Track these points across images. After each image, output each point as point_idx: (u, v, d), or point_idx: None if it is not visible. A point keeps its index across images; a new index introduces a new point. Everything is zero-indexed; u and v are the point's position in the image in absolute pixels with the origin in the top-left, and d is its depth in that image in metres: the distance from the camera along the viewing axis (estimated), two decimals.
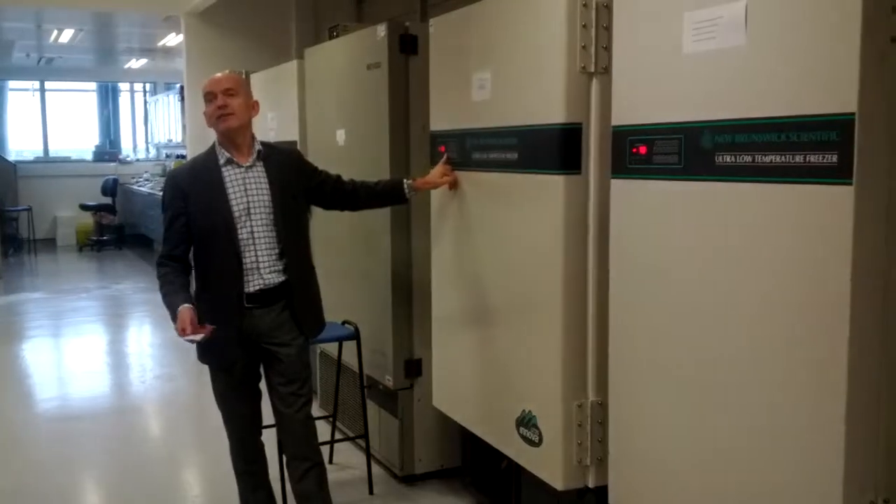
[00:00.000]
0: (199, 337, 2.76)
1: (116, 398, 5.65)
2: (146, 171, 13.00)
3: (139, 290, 9.31)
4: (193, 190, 2.91)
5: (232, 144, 2.91)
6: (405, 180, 3.24)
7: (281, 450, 3.36)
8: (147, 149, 15.14)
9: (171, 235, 2.94)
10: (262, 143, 3.02)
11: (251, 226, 2.87)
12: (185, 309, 2.77)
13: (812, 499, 1.87)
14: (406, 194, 3.21)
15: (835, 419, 1.80)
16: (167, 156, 13.06)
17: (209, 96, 2.91)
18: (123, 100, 15.90)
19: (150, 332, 7.74)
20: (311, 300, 3.07)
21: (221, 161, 2.91)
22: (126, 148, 15.57)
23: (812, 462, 1.87)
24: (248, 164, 2.92)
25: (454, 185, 3.20)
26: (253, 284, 2.88)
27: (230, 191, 2.88)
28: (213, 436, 4.66)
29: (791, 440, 1.92)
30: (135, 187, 12.47)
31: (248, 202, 2.88)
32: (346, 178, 3.24)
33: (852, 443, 1.80)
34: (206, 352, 2.97)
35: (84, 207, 12.75)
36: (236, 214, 2.86)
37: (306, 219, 3.11)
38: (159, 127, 14.01)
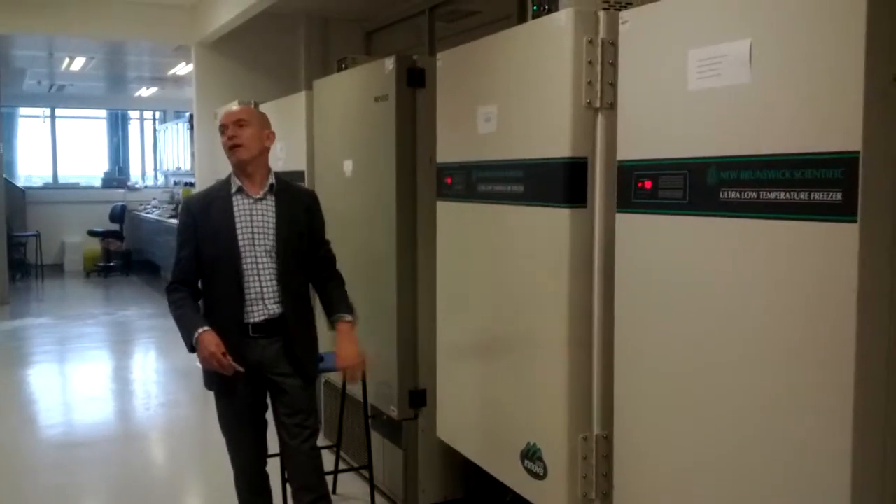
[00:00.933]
0: (237, 368, 2.80)
1: (121, 425, 5.65)
2: (154, 198, 13.09)
3: (145, 317, 9.33)
4: (203, 217, 2.94)
5: (244, 174, 2.94)
6: (341, 312, 3.08)
7: (284, 480, 3.36)
8: (155, 176, 15.24)
9: (181, 260, 2.97)
10: (279, 179, 3.02)
11: (255, 256, 2.89)
12: (210, 333, 2.79)
13: None
14: (330, 322, 3.11)
15: (842, 453, 1.80)
16: (175, 183, 13.15)
17: (222, 128, 2.96)
18: (133, 127, 16.05)
19: (156, 358, 7.75)
20: (305, 336, 3.04)
21: (233, 190, 2.94)
22: (135, 175, 15.68)
23: (820, 496, 1.86)
24: (258, 195, 2.94)
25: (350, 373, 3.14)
26: (258, 314, 2.90)
27: (238, 220, 2.90)
28: (218, 464, 4.65)
29: (801, 475, 1.91)
30: (143, 214, 12.54)
31: (252, 232, 2.90)
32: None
33: (858, 480, 1.79)
34: (211, 379, 2.97)
35: (92, 233, 12.82)
36: (241, 244, 2.88)
37: (307, 257, 3.07)
38: (168, 155, 14.11)
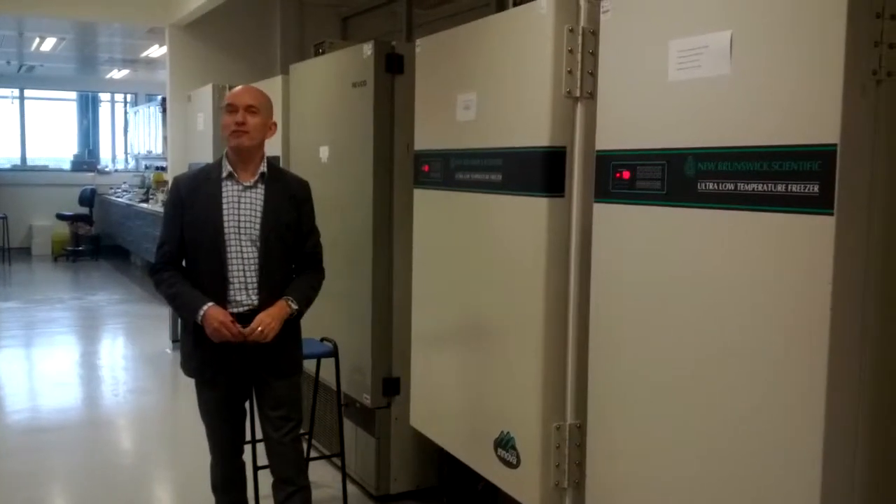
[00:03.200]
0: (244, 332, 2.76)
1: (88, 411, 5.58)
2: (125, 182, 12.91)
3: (115, 302, 9.22)
4: (190, 199, 2.88)
5: (238, 160, 2.88)
6: (284, 299, 2.89)
7: (256, 468, 3.34)
8: (126, 160, 15.04)
9: (167, 240, 2.91)
10: (272, 167, 2.95)
11: (240, 244, 2.84)
12: (216, 307, 2.76)
13: None
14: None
15: (813, 446, 1.81)
16: (146, 167, 12.99)
17: (230, 107, 2.86)
18: (104, 110, 15.82)
19: (125, 344, 7.67)
20: (286, 332, 2.91)
21: (224, 174, 2.88)
22: (105, 158, 15.47)
23: (790, 488, 1.88)
24: (248, 183, 2.88)
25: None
26: (242, 304, 2.85)
27: (225, 206, 2.84)
28: (188, 451, 4.63)
29: (771, 468, 1.93)
30: (113, 198, 12.37)
31: (239, 220, 2.84)
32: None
33: (829, 470, 1.81)
34: (192, 365, 2.94)
35: (61, 217, 12.63)
36: (226, 231, 2.82)
37: (293, 249, 2.99)
38: (139, 138, 13.93)
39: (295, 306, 2.90)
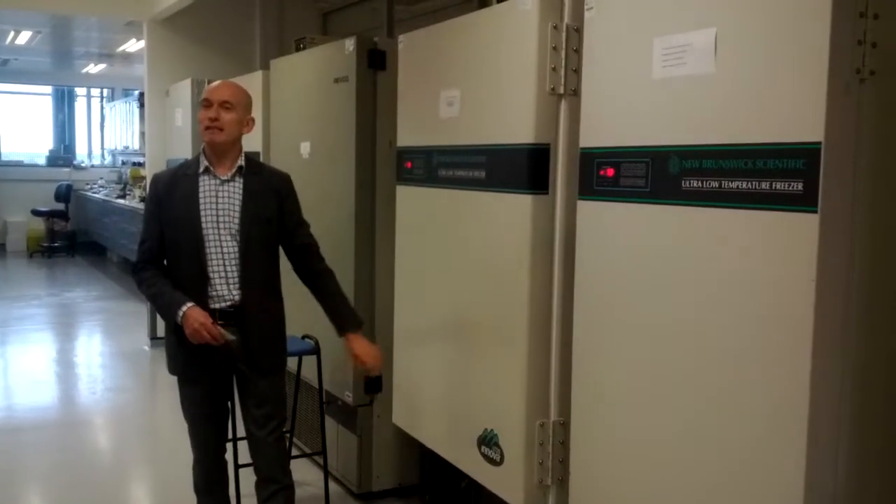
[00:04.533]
0: (227, 336, 2.75)
1: (65, 410, 5.52)
2: (101, 178, 12.78)
3: (91, 299, 9.13)
4: (168, 196, 2.85)
5: (215, 155, 2.84)
6: (351, 330, 2.98)
7: (237, 466, 3.31)
8: (102, 155, 14.89)
9: (147, 238, 2.88)
10: (250, 161, 2.91)
11: (219, 240, 2.81)
12: (196, 308, 2.74)
13: None
14: (340, 334, 3.02)
15: (796, 440, 1.83)
16: (123, 163, 12.86)
17: (206, 102, 2.82)
18: (79, 105, 15.64)
19: (102, 341, 7.59)
20: (268, 327, 2.92)
21: (200, 170, 2.84)
22: (81, 154, 15.30)
23: (773, 484, 1.89)
24: (226, 177, 2.85)
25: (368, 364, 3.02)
26: (223, 300, 2.82)
27: (202, 202, 2.81)
28: (166, 450, 4.59)
29: (753, 463, 1.94)
30: (89, 194, 12.24)
31: (217, 215, 2.81)
32: (321, 255, 3.06)
33: (812, 464, 1.82)
34: (176, 364, 2.91)
35: (36, 213, 12.48)
36: (205, 227, 2.79)
37: (276, 245, 2.96)
38: (116, 133, 13.79)
39: (358, 321, 3.02)
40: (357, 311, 3.10)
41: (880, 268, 1.90)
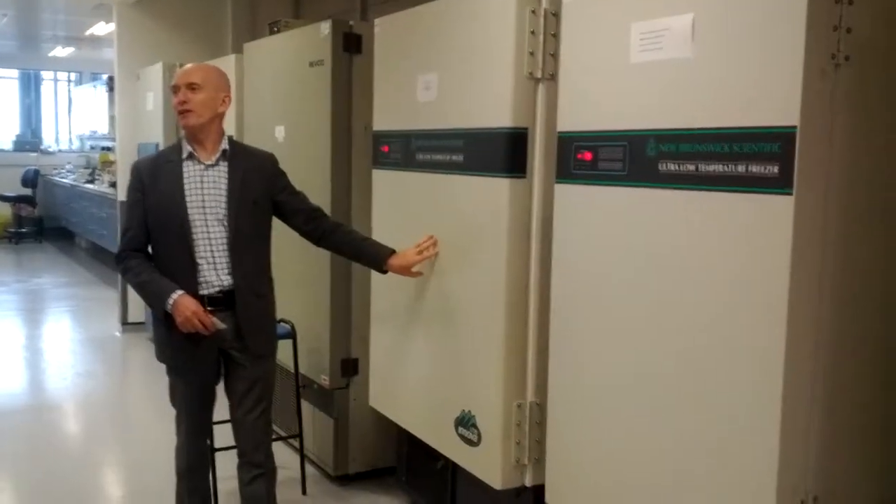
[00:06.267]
0: (218, 325, 2.73)
1: (35, 396, 5.47)
2: (69, 163, 12.61)
3: (60, 285, 9.02)
4: (152, 182, 2.82)
5: (195, 140, 2.82)
6: (389, 257, 2.99)
7: (213, 450, 3.31)
8: (70, 140, 14.68)
9: (132, 226, 2.84)
10: (233, 143, 2.89)
11: (206, 225, 2.79)
12: (187, 296, 2.72)
13: (747, 500, 1.93)
14: (384, 267, 3.02)
15: (770, 420, 1.87)
16: (92, 147, 12.69)
17: (174, 88, 2.80)
18: (47, 89, 15.39)
19: (72, 328, 7.52)
20: (259, 312, 2.91)
21: (184, 155, 2.82)
22: (48, 138, 15.07)
23: (747, 463, 1.93)
24: (210, 162, 2.82)
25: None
26: (212, 286, 2.80)
27: (187, 187, 2.78)
28: (138, 435, 4.58)
29: (727, 442, 1.98)
30: (57, 179, 12.08)
31: (203, 201, 2.79)
32: (327, 212, 3.09)
33: (786, 443, 1.86)
34: (166, 352, 2.89)
35: (2, 198, 12.28)
36: (191, 213, 2.77)
37: (266, 227, 2.96)
38: (84, 118, 13.59)
39: (388, 248, 3.01)
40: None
41: (854, 249, 1.94)
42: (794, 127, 1.78)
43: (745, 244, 1.91)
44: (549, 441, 2.59)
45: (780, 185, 1.82)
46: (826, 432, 1.96)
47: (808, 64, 1.77)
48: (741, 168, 1.90)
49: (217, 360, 2.90)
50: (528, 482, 2.73)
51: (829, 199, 1.87)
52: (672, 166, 2.09)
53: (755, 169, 1.87)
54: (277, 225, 3.02)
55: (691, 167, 2.03)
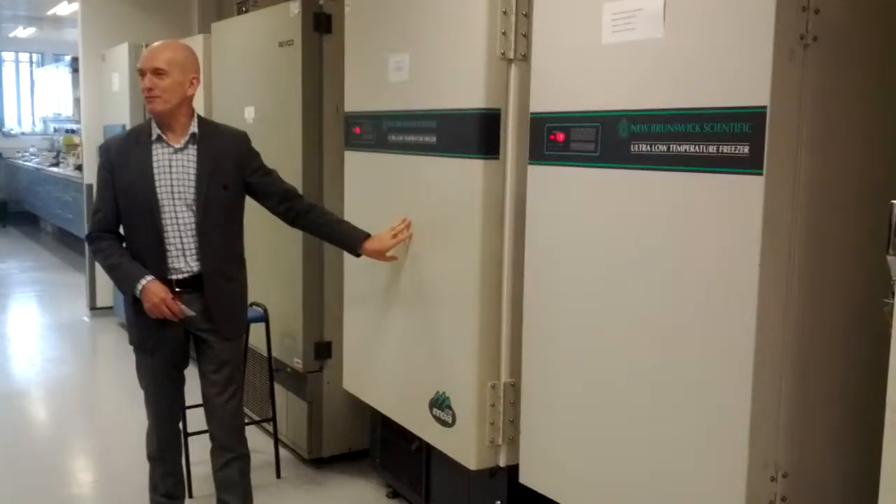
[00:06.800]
0: (186, 312, 2.73)
1: (4, 382, 5.38)
2: (32, 146, 12.39)
3: (27, 269, 8.88)
4: (120, 163, 2.78)
5: (163, 123, 2.78)
6: (365, 241, 2.98)
7: (186, 434, 3.29)
8: (33, 122, 14.42)
9: (102, 206, 2.81)
10: (204, 124, 2.84)
11: (175, 209, 2.76)
12: (156, 282, 2.70)
13: (718, 476, 1.96)
14: (358, 251, 3.01)
15: (740, 398, 1.90)
16: (55, 130, 12.47)
17: (140, 72, 2.75)
18: (7, 70, 15.08)
19: (40, 313, 7.41)
20: (229, 295, 2.89)
21: (153, 137, 2.78)
22: (10, 121, 14.79)
23: (718, 441, 1.96)
24: (178, 145, 2.77)
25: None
26: (181, 271, 2.78)
27: (156, 171, 2.74)
28: (108, 421, 4.54)
29: (698, 421, 2.00)
30: (20, 162, 11.87)
31: (171, 185, 2.75)
32: (302, 194, 3.07)
33: (756, 421, 1.89)
34: (134, 334, 2.87)
35: None
36: (160, 196, 2.73)
37: (238, 210, 2.92)
38: (47, 100, 13.35)
39: (362, 231, 3.00)
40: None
41: (822, 228, 1.96)
42: (764, 107, 1.80)
43: (716, 224, 1.93)
44: (523, 421, 2.61)
45: (751, 165, 1.84)
46: (796, 411, 1.99)
47: (777, 44, 1.78)
48: (712, 148, 1.92)
49: (184, 341, 2.88)
50: (502, 462, 2.75)
51: (799, 179, 1.89)
52: (644, 147, 2.10)
53: (726, 149, 1.89)
54: (249, 207, 2.99)
55: (663, 148, 2.05)
